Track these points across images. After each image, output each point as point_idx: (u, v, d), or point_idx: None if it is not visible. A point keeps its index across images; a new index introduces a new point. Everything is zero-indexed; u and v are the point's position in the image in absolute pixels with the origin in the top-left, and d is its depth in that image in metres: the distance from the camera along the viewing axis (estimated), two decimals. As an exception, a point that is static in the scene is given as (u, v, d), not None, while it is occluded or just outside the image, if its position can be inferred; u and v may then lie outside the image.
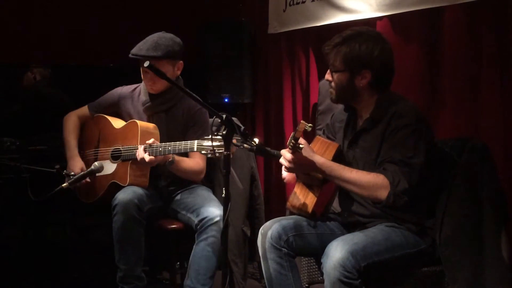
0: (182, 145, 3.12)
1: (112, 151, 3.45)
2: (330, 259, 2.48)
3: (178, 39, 3.44)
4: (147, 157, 3.18)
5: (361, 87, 2.72)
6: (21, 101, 4.40)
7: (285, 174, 2.89)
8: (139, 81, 3.53)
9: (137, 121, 3.40)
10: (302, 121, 2.50)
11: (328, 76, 2.80)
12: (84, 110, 3.68)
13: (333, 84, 2.78)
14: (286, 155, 2.62)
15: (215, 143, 2.75)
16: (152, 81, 3.39)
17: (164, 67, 3.32)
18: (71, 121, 3.65)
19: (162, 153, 3.19)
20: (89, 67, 4.73)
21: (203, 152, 2.92)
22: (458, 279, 2.60)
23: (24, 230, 4.21)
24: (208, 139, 2.87)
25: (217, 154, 2.74)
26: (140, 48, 3.35)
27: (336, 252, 2.48)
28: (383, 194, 2.55)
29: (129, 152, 3.34)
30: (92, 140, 3.63)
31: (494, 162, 2.73)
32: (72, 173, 3.36)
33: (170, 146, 3.17)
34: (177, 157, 3.31)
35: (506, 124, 3.06)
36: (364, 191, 2.60)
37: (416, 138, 2.60)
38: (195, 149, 3.03)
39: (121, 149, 3.40)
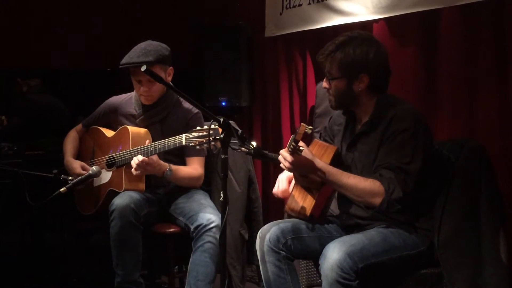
0: (171, 141, 3.12)
1: (107, 160, 3.45)
2: (328, 260, 2.49)
3: (165, 45, 3.43)
4: (140, 157, 3.16)
5: (359, 91, 2.72)
6: (15, 110, 4.39)
7: (276, 190, 2.91)
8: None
9: (128, 127, 3.39)
10: (302, 124, 2.50)
11: (325, 84, 2.79)
12: (79, 125, 3.72)
13: (331, 91, 2.78)
14: (286, 156, 2.62)
15: (201, 134, 2.78)
16: (147, 88, 3.36)
17: (157, 73, 3.30)
18: (69, 135, 3.71)
19: (152, 153, 3.18)
20: (87, 71, 4.73)
21: (191, 144, 2.90)
22: (456, 280, 2.60)
23: (23, 234, 4.21)
24: (195, 131, 2.88)
25: (205, 145, 2.75)
26: (130, 57, 3.34)
27: (334, 253, 2.48)
28: (377, 201, 2.57)
29: (123, 157, 3.34)
30: (87, 152, 3.64)
31: (491, 163, 2.73)
32: (70, 177, 3.36)
33: (160, 144, 3.17)
34: (173, 166, 3.31)
35: (503, 126, 3.06)
36: (360, 197, 2.63)
37: (414, 143, 2.60)
38: (184, 143, 3.00)
39: (115, 156, 3.40)
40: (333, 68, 2.72)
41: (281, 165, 2.67)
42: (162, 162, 3.26)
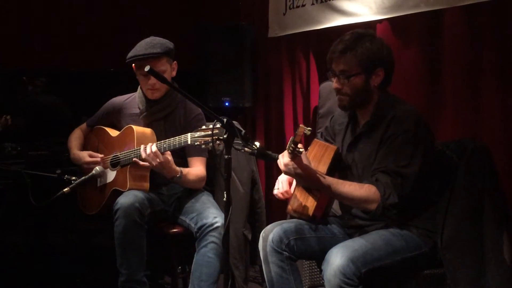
0: (176, 140, 3.11)
1: (111, 159, 3.46)
2: (330, 266, 2.48)
3: (168, 40, 3.44)
4: (154, 147, 3.15)
5: (374, 86, 2.72)
6: (19, 111, 4.40)
7: (276, 191, 2.90)
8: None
9: (133, 126, 3.39)
10: (301, 125, 2.50)
11: (336, 84, 2.74)
12: (84, 125, 3.73)
13: (346, 90, 2.72)
14: (281, 159, 2.62)
15: (206, 133, 2.80)
16: (155, 80, 3.33)
17: (164, 65, 3.34)
18: (74, 133, 3.72)
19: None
20: (90, 72, 4.73)
21: (196, 143, 2.90)
22: (459, 281, 2.60)
23: (26, 235, 4.22)
24: (200, 130, 2.88)
25: (211, 144, 2.75)
26: (137, 50, 3.35)
27: (336, 259, 2.48)
28: (372, 206, 2.58)
29: (127, 157, 3.34)
30: (92, 151, 3.63)
31: (495, 164, 2.73)
32: (73, 178, 3.36)
33: (165, 143, 3.16)
34: (184, 171, 3.31)
35: (506, 126, 3.06)
36: (356, 204, 2.66)
37: (413, 145, 2.60)
38: (189, 142, 2.99)
39: (119, 155, 3.40)
40: (352, 64, 2.68)
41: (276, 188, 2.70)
42: (174, 166, 3.25)
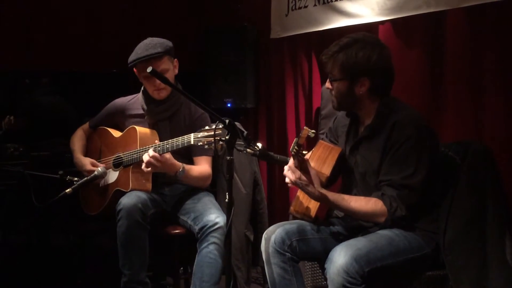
0: (179, 140, 3.11)
1: (114, 159, 3.46)
2: (334, 264, 2.49)
3: (166, 39, 3.44)
4: (151, 152, 3.15)
5: (361, 94, 2.72)
6: (22, 111, 4.40)
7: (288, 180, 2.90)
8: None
9: (136, 127, 3.40)
10: (305, 127, 2.50)
11: (328, 84, 2.80)
12: (86, 125, 3.74)
13: (334, 92, 2.78)
14: (290, 174, 2.63)
15: (209, 133, 2.81)
16: (158, 81, 3.33)
17: (166, 64, 3.35)
18: (76, 134, 3.73)
19: (161, 152, 3.17)
20: (93, 73, 4.74)
21: (199, 144, 2.90)
22: (462, 283, 2.60)
23: (28, 235, 4.22)
24: (203, 131, 2.88)
25: (214, 144, 2.75)
26: (138, 53, 3.35)
27: (340, 257, 2.48)
28: (381, 219, 2.62)
29: (130, 157, 3.34)
30: (94, 152, 3.65)
31: (497, 165, 2.73)
32: (76, 178, 3.36)
33: (168, 143, 3.16)
34: (186, 166, 3.31)
35: (508, 127, 3.06)
36: (363, 218, 2.69)
37: (418, 151, 2.60)
38: (192, 142, 2.98)
39: (122, 156, 3.40)
40: (335, 69, 2.72)
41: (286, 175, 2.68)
42: (175, 161, 3.25)
